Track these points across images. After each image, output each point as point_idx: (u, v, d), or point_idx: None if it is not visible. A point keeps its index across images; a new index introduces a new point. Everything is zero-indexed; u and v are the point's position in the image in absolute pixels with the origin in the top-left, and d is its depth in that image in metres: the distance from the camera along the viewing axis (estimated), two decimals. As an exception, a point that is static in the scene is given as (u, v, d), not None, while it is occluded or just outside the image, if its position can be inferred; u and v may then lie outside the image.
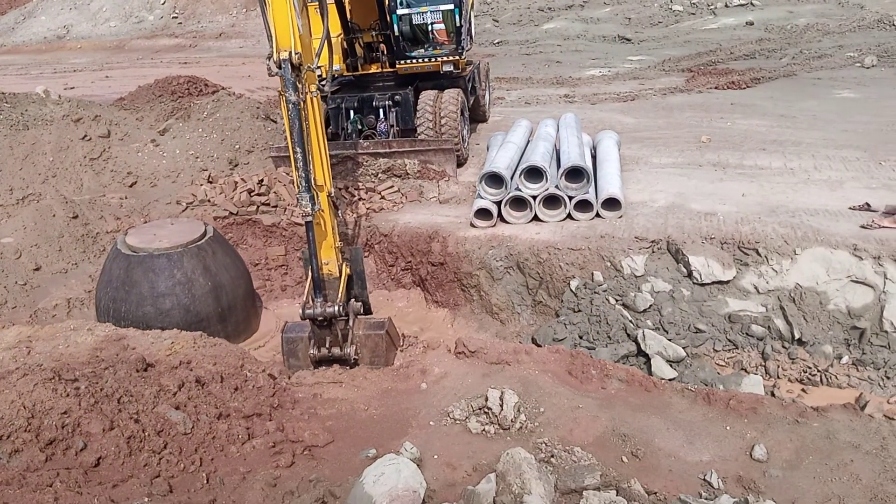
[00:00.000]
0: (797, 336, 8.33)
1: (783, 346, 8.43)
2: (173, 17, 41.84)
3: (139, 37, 40.21)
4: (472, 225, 10.37)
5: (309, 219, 7.49)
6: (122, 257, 9.33)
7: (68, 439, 5.18)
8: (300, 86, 7.20)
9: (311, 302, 7.84)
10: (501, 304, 9.89)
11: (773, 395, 7.76)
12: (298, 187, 7.38)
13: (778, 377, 8.27)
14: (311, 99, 7.52)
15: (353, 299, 8.36)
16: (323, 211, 7.79)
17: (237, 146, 14.26)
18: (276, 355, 8.78)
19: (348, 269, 8.40)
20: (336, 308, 7.81)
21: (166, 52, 36.58)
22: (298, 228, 11.07)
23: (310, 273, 7.83)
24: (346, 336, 8.01)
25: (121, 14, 42.86)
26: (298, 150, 7.23)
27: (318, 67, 7.66)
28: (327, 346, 8.01)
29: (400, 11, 12.61)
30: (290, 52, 6.98)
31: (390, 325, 8.44)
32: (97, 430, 5.30)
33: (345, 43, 12.97)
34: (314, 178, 7.57)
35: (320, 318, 7.83)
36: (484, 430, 6.05)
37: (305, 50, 7.32)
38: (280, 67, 7.01)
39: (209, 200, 12.00)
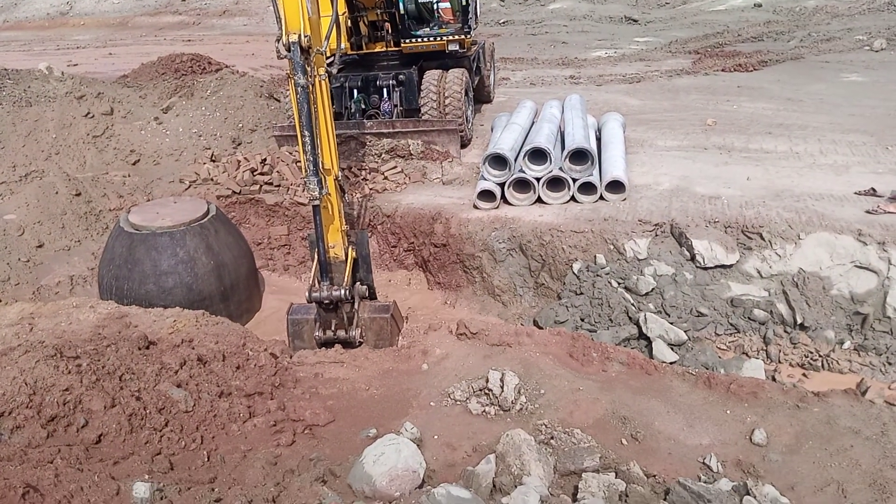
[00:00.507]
0: (799, 321, 8.31)
1: (785, 331, 8.41)
2: (177, -6, 41.58)
3: (143, 14, 40.00)
4: (476, 206, 10.33)
5: (316, 202, 7.45)
6: (124, 235, 9.33)
7: (69, 416, 5.20)
8: (309, 69, 7.13)
9: (317, 285, 7.85)
10: (503, 285, 9.88)
11: (773, 379, 7.76)
12: (306, 171, 7.34)
13: (779, 362, 8.27)
14: (320, 82, 7.46)
15: (358, 282, 8.37)
16: (330, 195, 7.77)
17: (240, 125, 14.21)
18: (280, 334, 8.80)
19: (354, 253, 8.40)
20: (342, 291, 7.83)
21: (170, 29, 36.41)
22: (301, 208, 11.06)
23: (316, 256, 7.83)
24: (351, 319, 8.05)
25: (124, -10, 42.63)
26: (307, 133, 7.17)
27: (331, 57, 7.61)
28: (333, 328, 8.04)
29: (406, -11, 12.51)
30: (300, 35, 6.90)
31: (395, 309, 8.49)
32: (98, 407, 5.32)
33: (349, 21, 12.87)
34: (322, 162, 7.54)
35: (326, 301, 7.85)
36: (484, 411, 6.06)
37: (314, 32, 7.25)
38: (289, 50, 6.94)
39: (212, 179, 11.97)
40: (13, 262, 10.14)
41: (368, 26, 13.40)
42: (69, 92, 14.15)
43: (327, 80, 7.63)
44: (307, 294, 7.86)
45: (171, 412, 5.64)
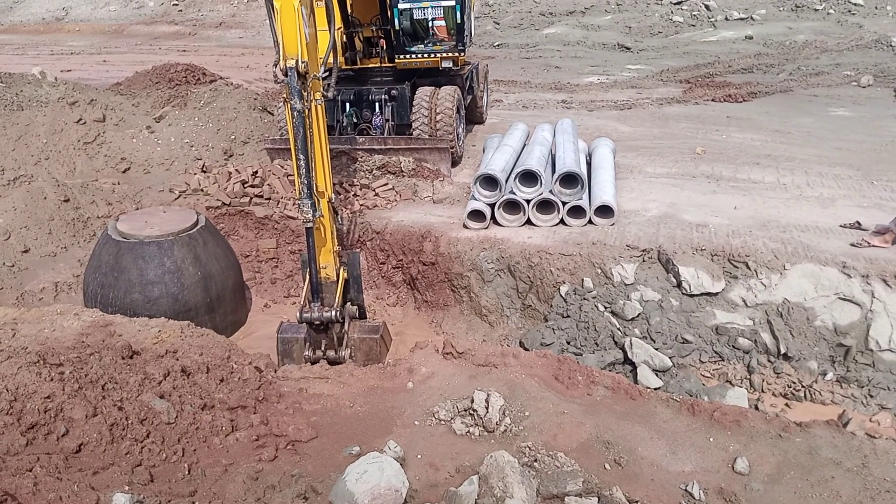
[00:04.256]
0: (783, 351, 8.37)
1: (769, 360, 8.46)
2: (174, 4, 41.68)
3: (138, 22, 40.04)
4: (465, 226, 10.36)
5: (309, 225, 7.49)
6: (112, 243, 9.28)
7: (50, 424, 5.14)
8: (305, 94, 7.18)
9: (308, 305, 7.86)
10: (491, 306, 9.89)
11: (756, 408, 7.79)
12: (300, 193, 7.40)
13: (762, 391, 8.31)
14: (316, 107, 7.52)
15: (348, 303, 8.39)
16: (323, 217, 7.80)
17: (233, 136, 14.21)
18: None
19: (345, 274, 8.42)
20: (333, 313, 7.84)
21: (165, 38, 36.45)
22: (290, 221, 11.05)
23: (308, 277, 7.85)
24: (341, 339, 8.07)
25: (121, -2, 42.69)
26: (301, 156, 7.23)
27: (326, 72, 7.68)
28: (322, 348, 8.05)
29: (401, 6, 12.60)
30: (297, 61, 6.96)
31: (384, 330, 8.53)
32: (80, 416, 5.27)
33: (344, 37, 12.96)
34: (315, 185, 7.57)
35: (317, 322, 7.86)
36: (468, 431, 6.04)
37: (312, 58, 7.31)
38: (286, 75, 6.99)
39: (202, 190, 11.96)
40: (-3, 266, 10.06)
41: (363, 42, 13.49)
42: (61, 97, 14.12)
43: (323, 104, 7.70)
44: (298, 314, 7.87)
45: (153, 423, 5.59)
